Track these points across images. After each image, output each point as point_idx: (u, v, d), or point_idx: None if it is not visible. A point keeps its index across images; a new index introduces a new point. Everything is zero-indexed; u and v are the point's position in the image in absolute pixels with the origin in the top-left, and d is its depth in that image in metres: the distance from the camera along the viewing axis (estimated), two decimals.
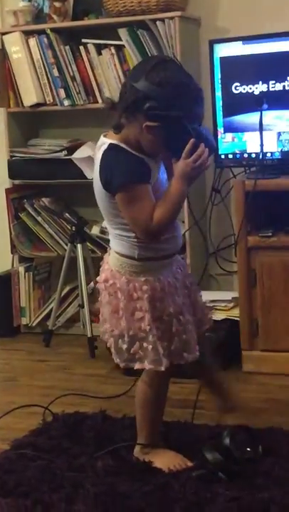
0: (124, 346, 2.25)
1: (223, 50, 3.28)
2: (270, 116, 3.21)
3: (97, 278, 2.35)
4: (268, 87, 3.21)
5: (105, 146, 2.18)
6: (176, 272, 2.33)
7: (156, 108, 2.09)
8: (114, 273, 2.26)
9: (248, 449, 2.30)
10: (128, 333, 2.24)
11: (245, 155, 3.29)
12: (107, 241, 3.69)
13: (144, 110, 2.10)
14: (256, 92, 3.22)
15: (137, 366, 2.27)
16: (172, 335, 2.25)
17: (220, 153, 3.30)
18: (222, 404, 2.55)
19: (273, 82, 3.20)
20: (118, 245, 2.27)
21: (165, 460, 2.31)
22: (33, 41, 3.77)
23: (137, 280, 2.23)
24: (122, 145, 2.16)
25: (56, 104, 3.78)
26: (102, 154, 2.18)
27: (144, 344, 2.23)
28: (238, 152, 3.30)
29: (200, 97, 2.17)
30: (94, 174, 2.23)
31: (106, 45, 3.65)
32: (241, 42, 3.26)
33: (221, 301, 3.40)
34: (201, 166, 2.15)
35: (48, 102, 3.79)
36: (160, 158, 2.23)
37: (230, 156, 3.31)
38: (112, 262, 2.29)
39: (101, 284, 2.30)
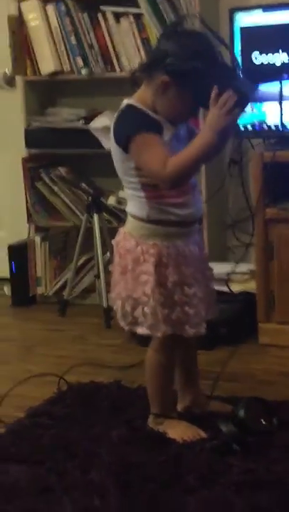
0: (129, 309, 2.27)
1: (243, 19, 3.23)
2: None
3: (113, 241, 2.37)
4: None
5: (122, 107, 2.21)
6: (193, 243, 2.31)
7: (175, 64, 2.11)
8: (126, 235, 2.29)
9: (263, 421, 2.29)
10: (132, 296, 2.25)
11: (265, 126, 3.25)
12: (124, 211, 3.70)
13: (162, 67, 2.12)
14: (277, 62, 3.18)
15: (138, 330, 2.29)
16: (174, 303, 2.25)
17: (238, 123, 3.26)
18: (183, 399, 2.47)
19: None
20: (131, 206, 2.29)
21: (179, 431, 2.31)
22: (50, 8, 3.73)
23: (145, 243, 2.24)
24: (138, 104, 2.19)
25: (74, 73, 3.74)
26: (118, 114, 2.21)
27: (145, 308, 2.24)
28: (257, 123, 3.26)
29: (217, 56, 2.17)
30: (110, 135, 2.24)
31: (125, 13, 3.60)
32: (261, 10, 3.21)
33: (238, 273, 3.38)
34: (228, 114, 2.09)
35: (65, 71, 3.76)
36: (178, 126, 2.22)
37: (249, 127, 3.27)
38: (126, 224, 2.32)
39: (114, 247, 2.33)
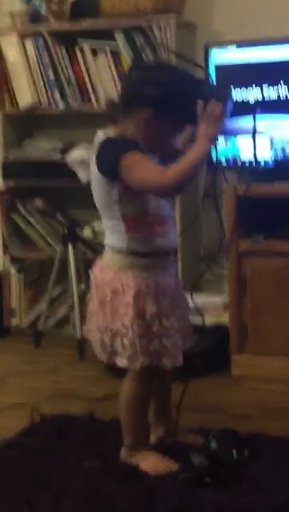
0: (107, 341, 2.28)
1: (218, 55, 3.29)
2: (264, 122, 3.22)
3: (91, 274, 2.38)
4: (262, 93, 3.22)
5: (100, 140, 2.24)
6: (169, 275, 2.34)
7: (152, 92, 2.17)
8: (105, 266, 2.31)
9: (235, 453, 2.30)
10: (111, 328, 2.26)
11: (238, 160, 3.30)
12: (99, 243, 3.73)
13: (143, 98, 2.17)
14: (250, 98, 3.24)
15: (117, 362, 2.29)
16: (152, 335, 2.27)
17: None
18: (156, 430, 2.47)
19: (268, 87, 3.22)
20: (110, 238, 2.31)
21: (151, 463, 2.31)
22: (29, 43, 3.78)
23: (124, 275, 2.26)
24: (118, 137, 2.23)
25: (51, 106, 3.78)
26: (99, 146, 2.23)
27: (124, 340, 2.25)
28: (230, 157, 3.31)
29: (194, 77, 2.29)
30: (91, 168, 2.27)
31: (102, 48, 3.66)
32: (235, 46, 3.27)
33: (211, 305, 3.40)
34: (217, 122, 2.17)
35: (43, 104, 3.80)
36: (156, 156, 2.27)
37: (223, 161, 3.32)
38: (104, 256, 2.34)
39: (92, 279, 2.35)
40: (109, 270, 2.29)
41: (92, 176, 2.28)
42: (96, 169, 2.24)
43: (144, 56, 3.53)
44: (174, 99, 2.18)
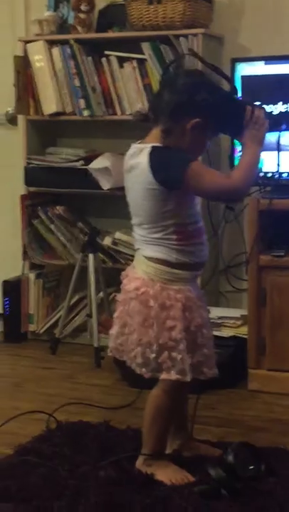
0: (152, 355, 2.24)
1: (245, 69, 3.30)
2: (288, 137, 3.22)
3: (125, 288, 2.33)
4: (288, 108, 3.22)
5: (148, 150, 2.22)
6: (198, 286, 2.39)
7: (207, 99, 2.21)
8: (147, 281, 2.27)
9: (251, 467, 2.29)
10: (158, 342, 2.23)
11: (261, 174, 3.30)
12: (119, 252, 3.75)
13: (192, 107, 2.20)
14: (275, 112, 3.24)
15: (163, 376, 2.26)
16: (196, 347, 2.27)
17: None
18: (173, 443, 2.46)
19: None
20: (154, 250, 2.28)
21: (167, 473, 2.30)
22: (56, 51, 3.80)
23: (171, 288, 2.26)
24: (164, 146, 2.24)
25: (75, 114, 3.80)
26: (150, 155, 2.21)
27: (173, 354, 2.23)
28: None
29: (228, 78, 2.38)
30: (133, 179, 2.26)
31: (128, 58, 3.68)
32: (263, 62, 3.29)
33: (230, 318, 3.40)
34: (264, 125, 2.28)
35: (67, 112, 3.82)
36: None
37: None
38: (142, 270, 2.30)
39: (131, 293, 2.29)
40: (154, 284, 2.26)
41: (136, 186, 2.25)
42: (150, 179, 2.20)
43: (170, 68, 3.54)
44: (224, 105, 2.25)
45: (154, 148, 2.22)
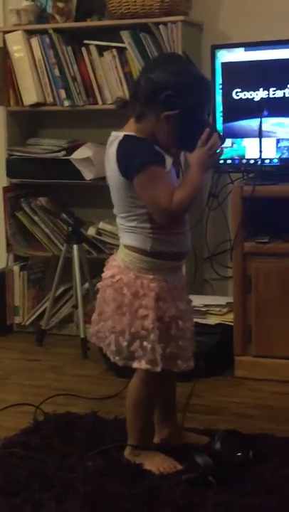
0: (125, 344, 2.25)
1: (224, 56, 3.29)
2: (270, 123, 3.22)
3: (102, 275, 2.34)
4: (269, 94, 3.22)
5: (120, 138, 2.21)
6: (180, 277, 2.36)
7: (175, 96, 2.16)
8: (123, 269, 2.27)
9: (239, 454, 2.30)
10: (130, 330, 2.23)
11: (244, 161, 3.30)
12: (103, 242, 3.74)
13: (162, 99, 2.16)
14: (256, 99, 3.24)
15: (134, 365, 2.27)
16: (169, 338, 2.26)
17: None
18: (161, 432, 2.47)
19: (274, 89, 3.22)
20: (131, 238, 2.27)
21: (155, 462, 2.31)
22: (35, 41, 3.77)
23: (145, 277, 2.25)
24: (137, 135, 2.21)
25: (56, 104, 3.78)
26: (118, 144, 2.21)
27: (144, 343, 2.23)
28: (236, 158, 3.31)
29: (210, 90, 2.31)
30: (108, 168, 2.25)
31: (108, 47, 3.66)
32: (243, 48, 3.27)
33: (216, 306, 3.40)
34: (216, 154, 2.23)
35: (48, 102, 3.80)
36: (171, 154, 2.26)
37: (229, 162, 3.32)
38: (120, 258, 2.30)
39: (107, 280, 2.30)
40: (129, 272, 2.26)
41: (111, 174, 2.25)
42: (117, 171, 2.21)
43: (150, 56, 3.53)
44: (190, 111, 2.19)
45: (125, 136, 2.21)
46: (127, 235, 2.28)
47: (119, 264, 2.29)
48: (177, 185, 2.22)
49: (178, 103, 2.17)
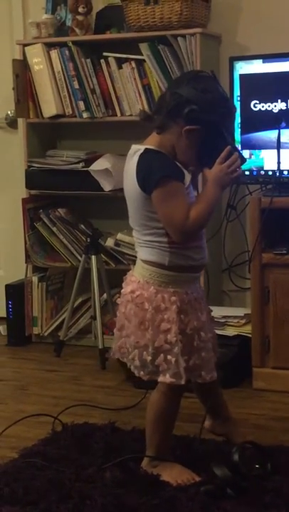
0: (149, 358, 2.25)
1: (243, 68, 3.30)
2: (288, 135, 3.22)
3: (122, 291, 2.34)
4: (287, 106, 3.22)
5: (141, 151, 2.22)
6: (199, 288, 2.37)
7: (198, 112, 2.16)
8: (142, 284, 2.27)
9: (257, 466, 2.30)
10: (153, 345, 2.24)
11: (262, 172, 3.30)
12: (122, 253, 3.75)
13: (184, 114, 2.17)
14: (275, 110, 3.24)
15: (160, 379, 2.27)
16: (192, 350, 2.27)
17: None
18: (219, 426, 2.54)
19: None
20: (148, 253, 2.28)
21: (173, 474, 2.31)
22: (54, 53, 3.80)
23: (165, 291, 2.25)
24: (159, 149, 2.21)
25: (75, 116, 3.80)
26: (139, 158, 2.21)
27: (168, 356, 2.23)
28: (254, 169, 3.31)
29: (233, 112, 2.31)
30: (126, 181, 2.26)
31: (127, 59, 3.68)
32: (261, 60, 3.28)
33: (234, 317, 3.40)
34: (234, 173, 2.21)
35: (67, 114, 3.82)
36: (190, 171, 2.26)
37: (247, 173, 3.32)
38: (139, 273, 2.30)
39: (127, 296, 2.30)
40: (149, 286, 2.26)
41: (129, 188, 2.25)
42: (136, 184, 2.21)
43: (169, 68, 3.55)
44: (213, 129, 2.19)
45: (146, 150, 2.22)
46: (144, 249, 2.29)
47: (138, 279, 2.29)
48: (193, 202, 2.22)
49: (201, 119, 2.17)
